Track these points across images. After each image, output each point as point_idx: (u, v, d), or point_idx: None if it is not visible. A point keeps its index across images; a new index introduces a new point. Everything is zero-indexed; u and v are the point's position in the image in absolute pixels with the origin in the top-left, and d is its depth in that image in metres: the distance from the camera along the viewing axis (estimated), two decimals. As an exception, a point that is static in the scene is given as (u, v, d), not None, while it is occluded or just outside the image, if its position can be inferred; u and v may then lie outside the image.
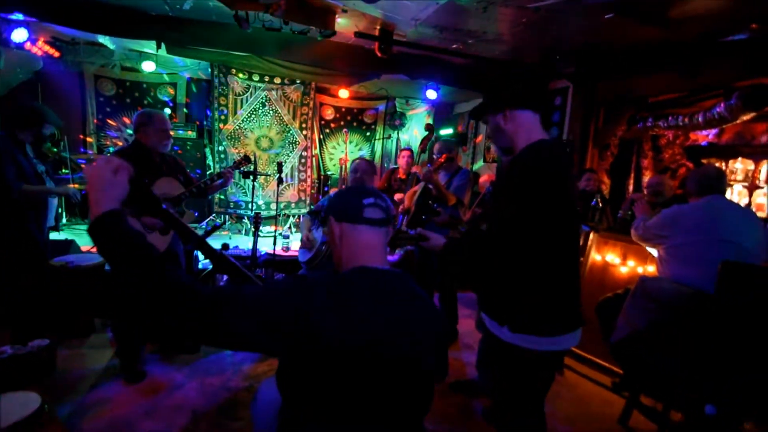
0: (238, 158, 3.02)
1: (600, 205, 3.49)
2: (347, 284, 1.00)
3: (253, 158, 4.10)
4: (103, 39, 4.60)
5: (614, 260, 3.11)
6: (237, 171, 2.93)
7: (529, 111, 1.50)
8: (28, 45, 4.20)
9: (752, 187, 3.91)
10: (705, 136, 4.22)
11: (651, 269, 2.78)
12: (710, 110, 3.55)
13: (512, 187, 1.41)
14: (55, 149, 2.84)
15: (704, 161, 4.09)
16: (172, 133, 2.65)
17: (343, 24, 3.78)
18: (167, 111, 5.72)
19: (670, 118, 3.97)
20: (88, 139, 5.51)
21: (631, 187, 4.75)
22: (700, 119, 3.65)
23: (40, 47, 4.43)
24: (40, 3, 3.57)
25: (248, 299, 0.89)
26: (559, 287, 1.45)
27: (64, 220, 5.08)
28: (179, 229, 1.09)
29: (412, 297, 1.07)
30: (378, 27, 3.83)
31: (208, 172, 5.70)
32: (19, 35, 3.96)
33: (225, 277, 3.35)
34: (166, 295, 0.84)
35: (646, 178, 4.68)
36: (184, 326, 0.85)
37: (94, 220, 0.88)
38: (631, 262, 3.00)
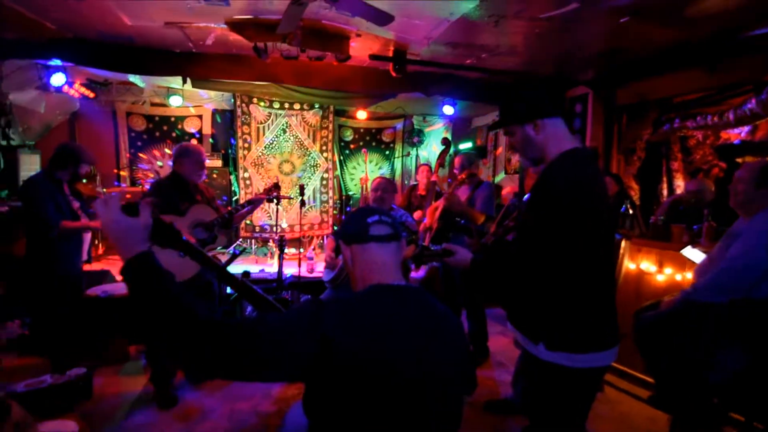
0: (268, 185, 3.12)
1: (630, 211, 3.37)
2: (363, 303, 1.00)
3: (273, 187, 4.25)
4: (133, 78, 4.86)
5: (650, 268, 2.97)
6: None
7: (559, 119, 1.47)
8: (65, 88, 4.49)
9: (794, 185, 3.70)
10: (737, 135, 4.04)
11: (690, 276, 2.64)
12: (741, 107, 3.41)
13: (547, 200, 1.36)
14: (90, 185, 2.98)
15: (739, 160, 3.91)
16: (208, 164, 2.82)
17: (357, 48, 3.87)
18: (194, 142, 5.95)
19: (698, 117, 3.83)
20: (122, 173, 5.78)
21: (665, 192, 4.57)
22: (731, 117, 3.51)
23: (77, 89, 4.73)
24: (77, 49, 3.83)
25: (269, 328, 0.90)
26: (596, 302, 1.39)
27: (100, 251, 5.29)
28: (201, 260, 1.11)
29: (430, 311, 1.06)
30: (392, 48, 3.90)
31: (234, 199, 5.86)
32: (58, 80, 4.24)
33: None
34: (196, 334, 0.85)
35: (678, 181, 4.50)
36: (214, 362, 0.86)
37: (124, 266, 0.89)
38: (668, 270, 2.86)
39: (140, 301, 0.87)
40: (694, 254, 2.58)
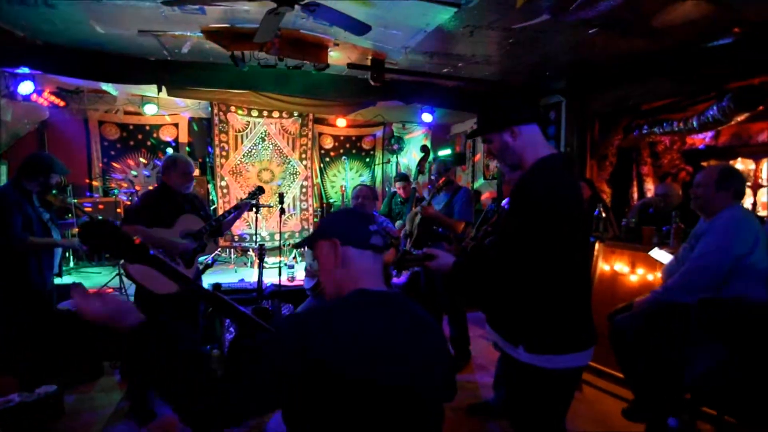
0: (252, 189, 3.14)
1: (603, 214, 3.47)
2: (348, 311, 1.00)
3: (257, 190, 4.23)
4: (106, 86, 4.76)
5: (623, 269, 3.07)
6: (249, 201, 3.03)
7: (535, 125, 1.51)
8: (34, 97, 4.36)
9: (755, 186, 3.90)
10: (702, 140, 4.23)
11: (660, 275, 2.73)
12: (704, 113, 3.58)
13: (525, 205, 1.39)
14: (61, 196, 2.89)
15: (704, 164, 4.09)
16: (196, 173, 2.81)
17: (335, 57, 3.90)
18: (170, 150, 5.85)
19: (665, 124, 4.00)
20: (94, 183, 5.62)
21: (635, 195, 4.74)
22: (694, 123, 3.67)
23: (46, 98, 4.60)
24: (46, 57, 3.72)
25: (257, 372, 0.90)
26: (573, 303, 1.43)
27: (72, 263, 5.12)
28: (169, 274, 1.08)
29: (412, 316, 1.07)
30: (369, 57, 3.94)
31: (212, 207, 5.77)
32: (26, 88, 4.12)
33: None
34: (194, 399, 0.88)
35: (648, 184, 4.67)
36: (214, 419, 0.88)
37: (124, 340, 0.93)
38: (640, 270, 2.96)
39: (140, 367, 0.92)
40: (661, 255, 2.68)
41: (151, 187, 5.57)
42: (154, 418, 2.52)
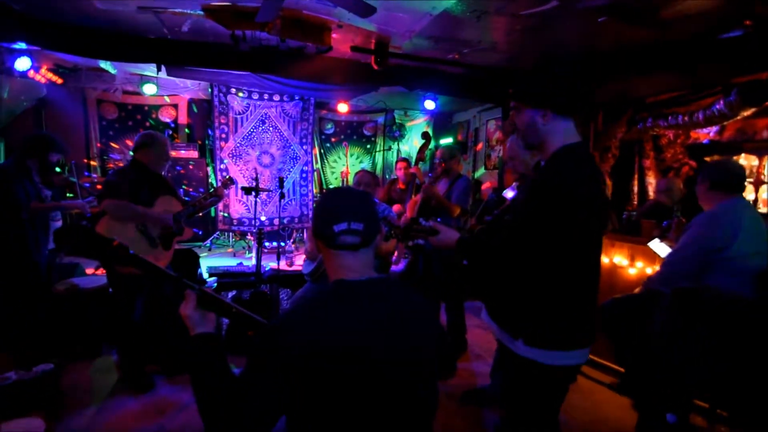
0: (225, 178, 3.26)
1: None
2: (323, 307, 0.99)
3: (255, 176, 4.21)
4: (104, 64, 4.68)
5: (622, 262, 3.07)
6: (239, 187, 3.07)
7: (571, 121, 1.42)
8: (31, 73, 4.28)
9: (758, 183, 3.88)
10: (706, 134, 4.19)
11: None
12: (710, 108, 3.53)
13: (544, 193, 1.34)
14: (64, 174, 2.90)
15: (707, 159, 4.06)
16: (173, 153, 2.83)
17: (339, 39, 3.83)
18: (168, 132, 5.79)
19: (669, 117, 3.95)
20: (92, 163, 5.58)
21: (635, 188, 4.72)
22: (700, 117, 3.63)
23: (44, 75, 4.51)
24: (43, 32, 3.64)
25: (247, 392, 0.92)
26: (581, 299, 1.39)
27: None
28: (152, 273, 1.06)
29: (395, 301, 1.06)
30: (373, 40, 3.87)
31: (211, 191, 5.74)
32: (23, 64, 4.04)
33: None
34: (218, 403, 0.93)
35: (650, 178, 4.64)
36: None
37: (193, 338, 1.06)
38: (639, 263, 2.96)
39: (191, 359, 1.01)
40: (661, 248, 2.68)
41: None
42: (152, 387, 2.57)
